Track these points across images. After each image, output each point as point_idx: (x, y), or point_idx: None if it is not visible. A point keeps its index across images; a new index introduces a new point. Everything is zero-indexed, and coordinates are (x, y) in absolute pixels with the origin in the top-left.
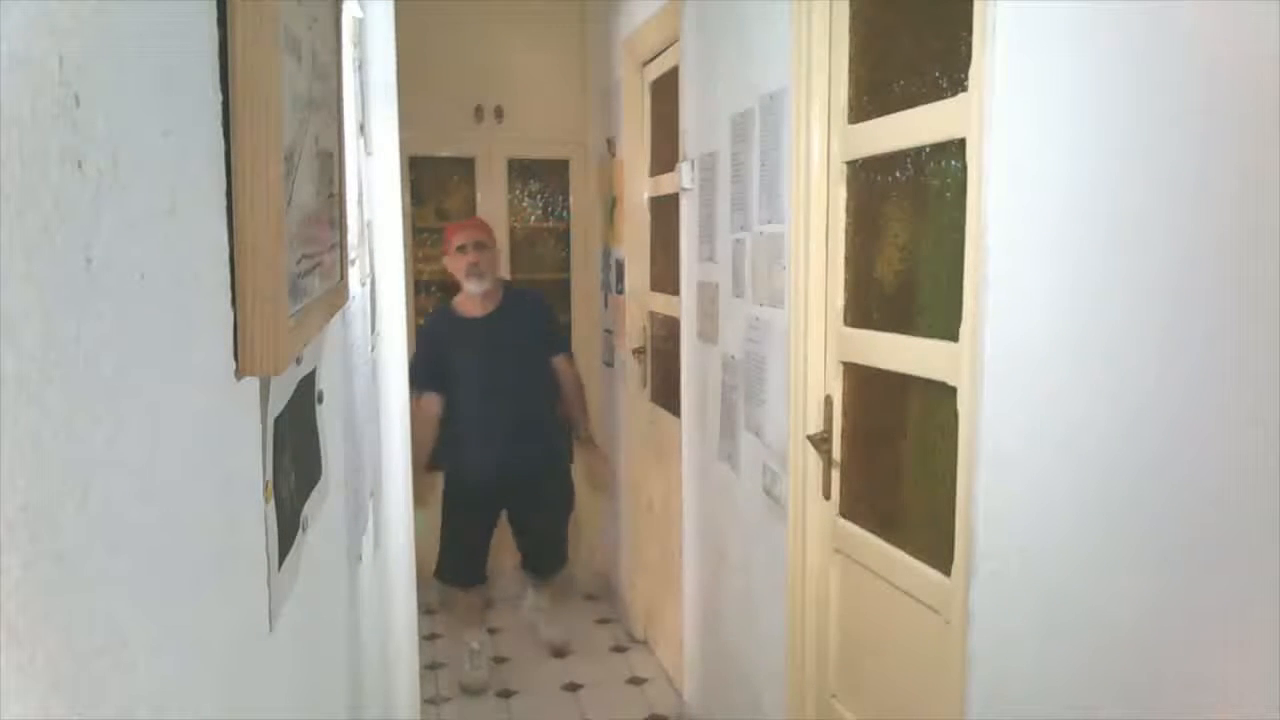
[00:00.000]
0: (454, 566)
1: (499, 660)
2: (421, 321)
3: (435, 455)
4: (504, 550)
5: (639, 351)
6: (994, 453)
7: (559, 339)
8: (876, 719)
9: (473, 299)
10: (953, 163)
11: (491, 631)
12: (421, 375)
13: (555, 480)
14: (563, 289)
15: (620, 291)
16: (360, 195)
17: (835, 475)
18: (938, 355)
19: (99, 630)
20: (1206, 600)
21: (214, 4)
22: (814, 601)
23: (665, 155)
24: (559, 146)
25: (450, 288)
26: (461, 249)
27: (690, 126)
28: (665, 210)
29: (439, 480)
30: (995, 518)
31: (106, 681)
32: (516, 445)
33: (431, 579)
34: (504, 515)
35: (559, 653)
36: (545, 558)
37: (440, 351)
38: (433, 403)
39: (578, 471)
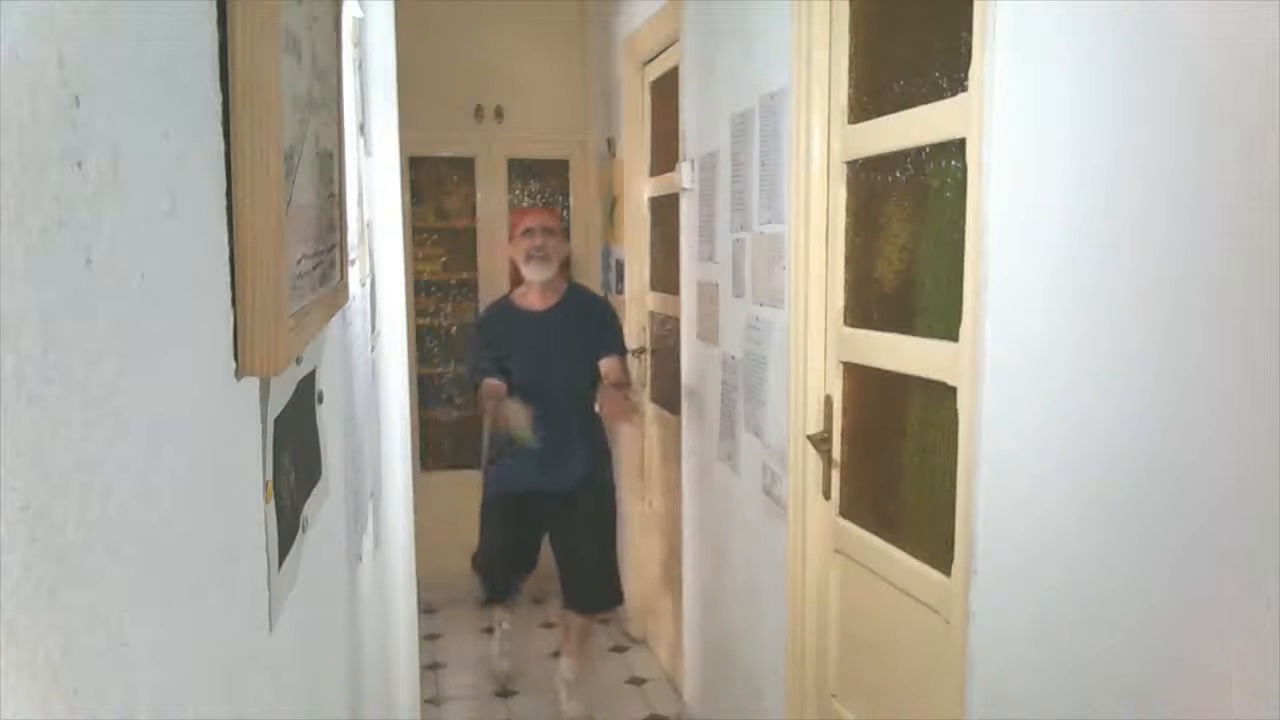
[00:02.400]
0: (483, 572)
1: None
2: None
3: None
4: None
5: (639, 351)
6: (994, 453)
7: (616, 342)
8: (876, 719)
9: (532, 290)
10: (953, 163)
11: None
12: (477, 367)
13: (595, 498)
14: None
15: (620, 291)
16: (360, 195)
17: (835, 475)
18: (938, 355)
19: (99, 630)
20: (1206, 600)
21: (214, 4)
22: (814, 601)
23: (665, 155)
24: (559, 146)
25: (450, 288)
26: (528, 232)
27: (690, 126)
28: (665, 210)
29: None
30: (995, 518)
31: (106, 681)
32: (558, 455)
33: (432, 579)
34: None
35: None
36: (587, 590)
37: (493, 342)
38: (497, 386)
39: (603, 402)
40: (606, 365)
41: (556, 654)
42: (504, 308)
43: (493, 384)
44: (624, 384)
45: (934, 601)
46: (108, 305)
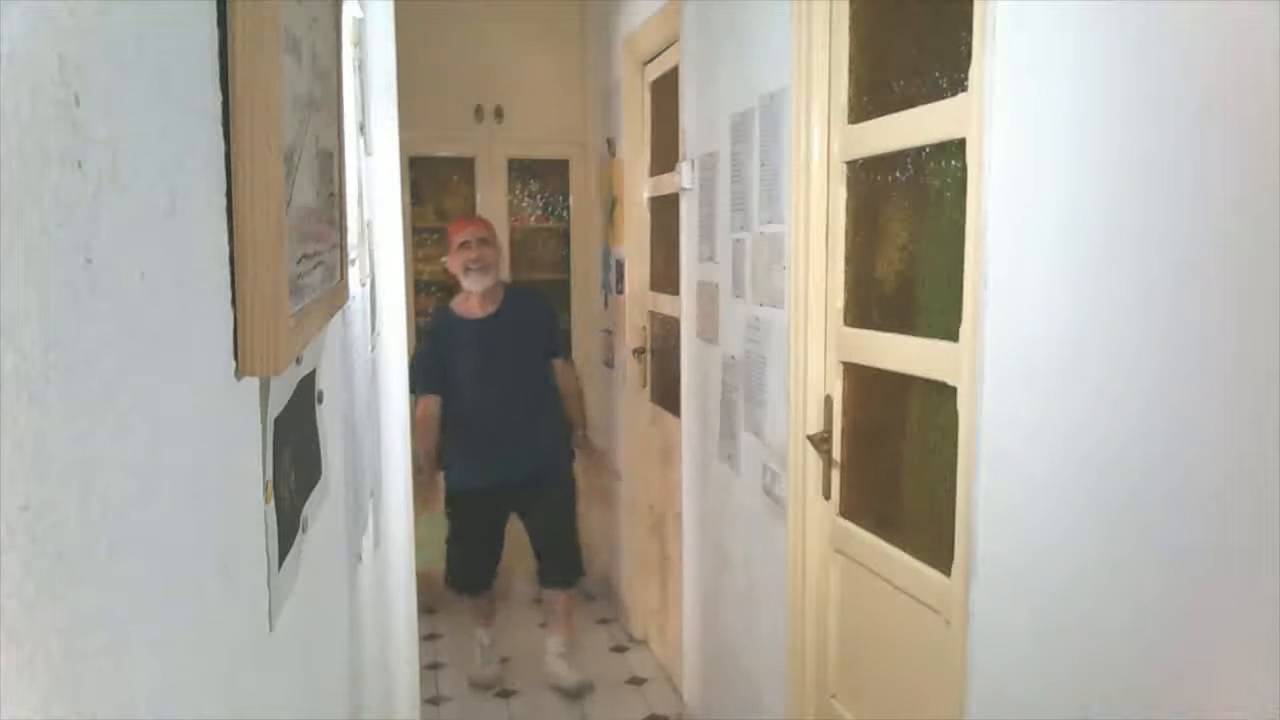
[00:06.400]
0: (459, 574)
1: (501, 660)
2: (420, 322)
3: (440, 458)
4: (516, 551)
5: (639, 351)
6: (994, 453)
7: (559, 342)
8: (876, 719)
9: (472, 299)
10: (953, 163)
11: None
12: (421, 379)
13: (557, 481)
14: (563, 289)
15: (620, 291)
16: (360, 195)
17: (835, 475)
18: (938, 355)
19: (99, 630)
20: (1206, 600)
21: (214, 4)
22: (814, 601)
23: (665, 155)
24: (559, 146)
25: (451, 288)
26: (464, 245)
27: (690, 126)
28: (665, 210)
29: (442, 482)
30: (995, 518)
31: (106, 681)
32: (516, 448)
33: (434, 582)
34: (518, 523)
35: (579, 695)
36: (558, 565)
37: (439, 354)
38: (432, 404)
39: (579, 474)
40: (559, 368)
41: (544, 626)
42: (446, 319)
43: (427, 403)
44: (582, 416)
45: (934, 601)
46: (108, 305)
